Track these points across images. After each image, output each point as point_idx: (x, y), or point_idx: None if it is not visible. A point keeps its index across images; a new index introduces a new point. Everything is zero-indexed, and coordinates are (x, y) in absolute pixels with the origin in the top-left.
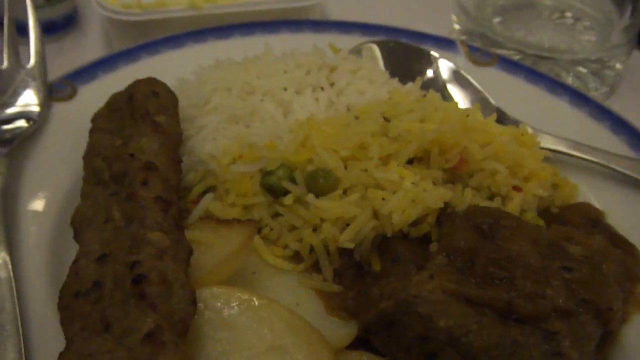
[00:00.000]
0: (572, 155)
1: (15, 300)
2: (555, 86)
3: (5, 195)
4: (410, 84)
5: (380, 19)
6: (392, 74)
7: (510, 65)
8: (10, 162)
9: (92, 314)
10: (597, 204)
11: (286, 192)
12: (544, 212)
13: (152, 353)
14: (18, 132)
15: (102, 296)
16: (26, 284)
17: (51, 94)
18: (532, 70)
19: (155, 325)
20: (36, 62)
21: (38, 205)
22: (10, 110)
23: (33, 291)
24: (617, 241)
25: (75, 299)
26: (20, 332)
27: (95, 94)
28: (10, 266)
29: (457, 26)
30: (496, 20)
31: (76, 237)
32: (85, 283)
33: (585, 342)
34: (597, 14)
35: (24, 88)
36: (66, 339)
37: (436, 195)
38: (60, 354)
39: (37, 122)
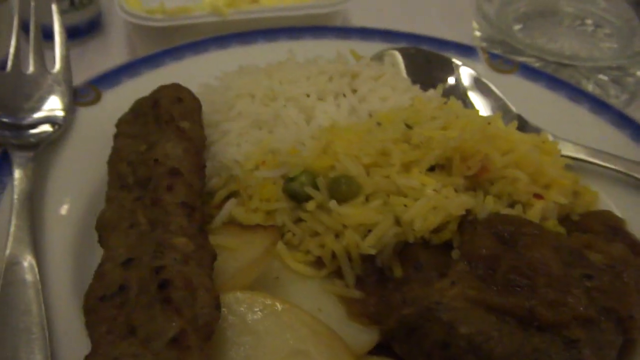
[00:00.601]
0: (592, 163)
1: (42, 304)
2: (576, 94)
3: (31, 199)
4: (431, 91)
5: (401, 26)
6: (414, 81)
7: (531, 73)
8: (35, 166)
9: (118, 317)
10: (618, 211)
11: (309, 198)
12: (564, 219)
13: (177, 357)
14: (44, 137)
15: (128, 300)
16: (52, 287)
17: (76, 98)
18: (553, 77)
19: (180, 330)
20: (61, 67)
21: (63, 209)
22: (36, 115)
23: (59, 294)
24: (638, 249)
25: (101, 303)
26: (47, 335)
27: (120, 99)
28: (36, 269)
29: (478, 33)
30: (517, 27)
31: (101, 241)
32: (111, 287)
33: (607, 351)
34: (618, 21)
35: (50, 93)
36: (92, 342)
37: (458, 203)
38: (86, 356)
39: (62, 126)
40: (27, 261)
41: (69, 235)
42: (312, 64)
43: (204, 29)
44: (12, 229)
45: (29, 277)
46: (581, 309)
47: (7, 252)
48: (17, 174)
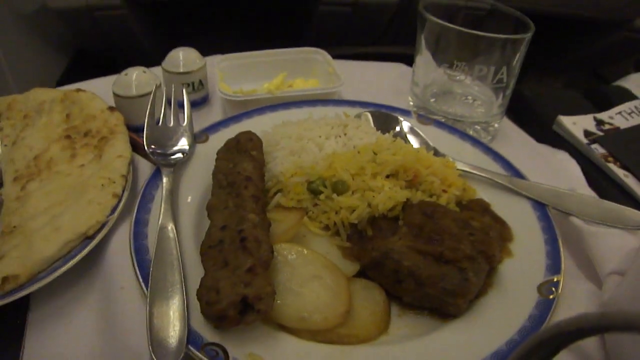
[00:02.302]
0: (473, 173)
1: (178, 250)
2: (464, 136)
3: (172, 193)
4: (387, 134)
5: (370, 99)
6: (378, 129)
7: (440, 125)
8: (174, 176)
9: (218, 257)
10: (486, 199)
11: (321, 192)
12: (458, 203)
13: (251, 278)
14: (178, 160)
15: (223, 248)
16: (183, 242)
17: (195, 139)
18: (451, 127)
19: (252, 264)
20: (187, 122)
21: (188, 199)
22: (174, 149)
23: (187, 245)
24: (496, 219)
25: (209, 249)
26: (181, 265)
27: (219, 140)
28: (175, 231)
29: (411, 103)
30: (432, 100)
31: (209, 216)
32: (214, 241)
33: (481, 274)
34: (485, 97)
35: (181, 136)
36: (205, 270)
37: (402, 194)
38: (202, 278)
39: (188, 154)
40: (170, 226)
41: (192, 212)
42: (322, 120)
43: (263, 102)
44: (162, 209)
45: (171, 235)
46: (467, 251)
47: (159, 221)
48: (165, 180)
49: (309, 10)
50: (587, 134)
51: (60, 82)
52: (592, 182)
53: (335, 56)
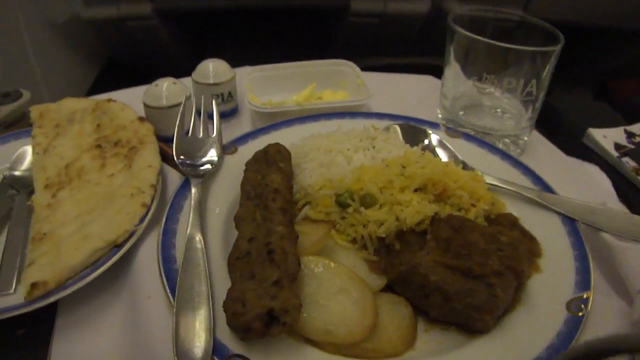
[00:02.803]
0: (502, 187)
1: (205, 260)
2: (493, 149)
3: (200, 204)
4: (415, 148)
5: (399, 112)
6: (406, 142)
7: (469, 137)
8: (203, 187)
9: (245, 269)
10: (514, 213)
11: (349, 206)
12: (486, 218)
13: (277, 291)
14: (207, 171)
15: (250, 260)
16: (211, 252)
17: (223, 150)
18: (480, 140)
19: (278, 276)
20: (216, 133)
21: (216, 210)
22: (203, 160)
23: (214, 255)
24: (525, 234)
25: (236, 261)
26: (208, 277)
27: (247, 151)
28: (202, 241)
29: (440, 116)
30: (461, 113)
31: (237, 227)
32: (241, 252)
33: (509, 290)
34: (514, 110)
35: (210, 147)
36: (232, 281)
37: (430, 208)
38: (229, 289)
39: (216, 166)
40: (198, 237)
41: (220, 223)
42: (351, 132)
43: (292, 114)
44: (191, 219)
45: (199, 245)
46: (495, 267)
47: (187, 231)
48: (193, 190)
49: (337, 22)
50: (617, 147)
51: (91, 90)
52: (623, 196)
53: (364, 68)
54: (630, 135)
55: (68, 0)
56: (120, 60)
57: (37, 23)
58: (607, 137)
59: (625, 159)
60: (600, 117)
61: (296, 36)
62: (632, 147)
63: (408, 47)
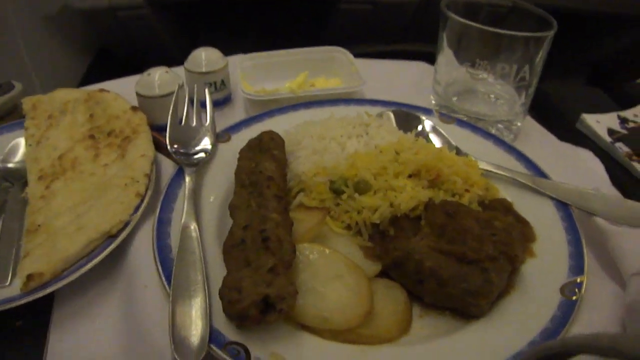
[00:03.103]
0: (495, 173)
1: (200, 249)
2: (486, 135)
3: (194, 193)
4: (409, 134)
5: (392, 98)
6: (400, 128)
7: (462, 124)
8: (197, 175)
9: (240, 256)
10: (509, 198)
11: (343, 192)
12: (480, 203)
13: (272, 278)
14: (201, 160)
15: (245, 247)
16: (206, 241)
17: (217, 139)
18: (474, 126)
19: (274, 264)
20: (210, 122)
21: (211, 198)
22: (197, 148)
23: (210, 244)
24: (519, 219)
25: (231, 249)
26: (203, 265)
27: (241, 139)
28: (197, 230)
29: (433, 102)
30: (454, 98)
31: (231, 215)
32: (237, 240)
33: (502, 274)
34: (508, 95)
35: (204, 136)
36: (227, 269)
37: (424, 194)
38: (224, 277)
39: (210, 154)
40: (193, 225)
41: (215, 212)
42: (344, 119)
43: (285, 101)
44: (185, 208)
45: (194, 234)
46: (490, 252)
47: (182, 220)
48: (187, 179)
49: (330, 9)
50: (611, 132)
51: (83, 81)
52: (616, 181)
53: (358, 54)
54: (623, 120)
55: None
56: (112, 51)
57: (27, 14)
58: (600, 123)
59: (619, 144)
60: (594, 103)
61: (289, 24)
62: (625, 132)
63: (401, 34)
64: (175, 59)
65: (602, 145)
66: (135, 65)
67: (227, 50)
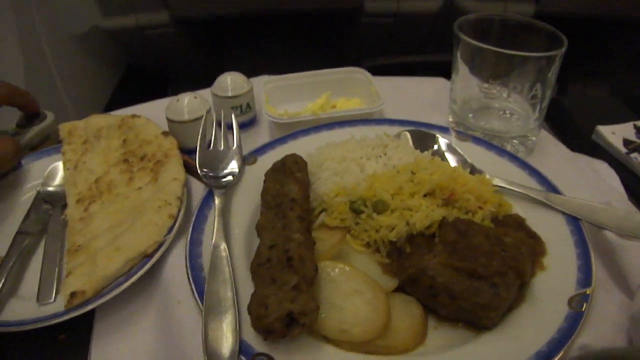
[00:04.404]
0: (508, 189)
1: (230, 267)
2: (501, 152)
3: (224, 214)
4: (425, 153)
5: (409, 117)
6: (416, 148)
7: (478, 140)
8: (226, 197)
9: (267, 275)
10: (521, 214)
11: (362, 212)
12: (494, 219)
13: (296, 295)
14: (229, 182)
15: (271, 266)
16: (235, 259)
17: (244, 161)
18: (488, 143)
19: (297, 281)
20: (237, 145)
21: (239, 218)
22: (225, 172)
23: (238, 263)
24: (530, 234)
25: (258, 267)
26: (233, 282)
27: (267, 161)
28: (227, 250)
29: (450, 119)
30: (470, 115)
31: (258, 235)
32: (263, 259)
33: (512, 289)
34: (522, 111)
35: (231, 159)
36: (255, 286)
37: (438, 213)
38: (252, 294)
39: (238, 177)
40: (223, 245)
41: (243, 232)
42: (363, 141)
43: (308, 123)
44: (215, 228)
45: (223, 253)
46: (499, 267)
47: (213, 240)
48: (217, 201)
49: (352, 23)
50: (626, 142)
51: (113, 98)
52: (631, 192)
53: (379, 66)
54: (639, 130)
55: (87, 11)
56: (139, 67)
57: (57, 34)
58: (616, 134)
59: (634, 155)
60: (611, 113)
61: (311, 38)
62: None
63: (421, 45)
64: (200, 74)
65: (617, 156)
66: (162, 82)
67: (251, 65)
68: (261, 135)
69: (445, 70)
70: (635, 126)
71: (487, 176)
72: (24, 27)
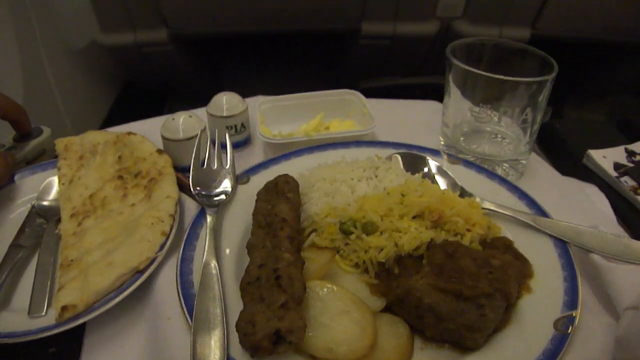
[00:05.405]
0: (498, 212)
1: (220, 285)
2: (491, 175)
3: (215, 232)
4: (416, 175)
5: (401, 139)
6: (407, 170)
7: (468, 164)
8: (217, 216)
9: (255, 293)
10: (510, 236)
11: (351, 233)
12: (482, 241)
13: (284, 313)
14: (221, 201)
15: (260, 285)
16: (225, 277)
17: (237, 181)
18: (479, 166)
19: (285, 300)
20: (230, 164)
21: (230, 237)
22: (218, 190)
23: (228, 281)
24: (518, 256)
25: (248, 285)
26: (222, 300)
27: (259, 181)
28: (217, 267)
29: (442, 142)
30: (462, 139)
31: (249, 254)
32: (252, 277)
33: (498, 310)
34: (513, 135)
35: (224, 178)
36: (244, 304)
37: (426, 235)
38: (241, 312)
39: (230, 196)
40: (213, 263)
41: (234, 250)
42: (355, 163)
43: (300, 144)
44: (206, 246)
45: (214, 271)
46: (485, 289)
47: (203, 258)
48: (209, 219)
49: (349, 45)
50: (617, 166)
51: (110, 114)
52: (621, 215)
53: (375, 88)
54: (630, 154)
55: (86, 27)
56: (137, 84)
57: (56, 50)
58: (607, 157)
59: (624, 179)
60: (603, 138)
61: (308, 59)
62: (632, 165)
63: (419, 67)
64: (197, 92)
65: (608, 180)
66: (159, 98)
67: (249, 85)
68: (255, 155)
69: (441, 93)
70: (626, 150)
71: (477, 199)
72: (24, 42)
